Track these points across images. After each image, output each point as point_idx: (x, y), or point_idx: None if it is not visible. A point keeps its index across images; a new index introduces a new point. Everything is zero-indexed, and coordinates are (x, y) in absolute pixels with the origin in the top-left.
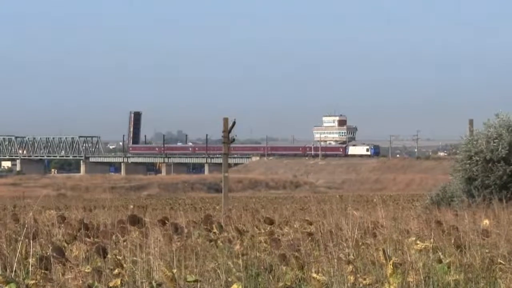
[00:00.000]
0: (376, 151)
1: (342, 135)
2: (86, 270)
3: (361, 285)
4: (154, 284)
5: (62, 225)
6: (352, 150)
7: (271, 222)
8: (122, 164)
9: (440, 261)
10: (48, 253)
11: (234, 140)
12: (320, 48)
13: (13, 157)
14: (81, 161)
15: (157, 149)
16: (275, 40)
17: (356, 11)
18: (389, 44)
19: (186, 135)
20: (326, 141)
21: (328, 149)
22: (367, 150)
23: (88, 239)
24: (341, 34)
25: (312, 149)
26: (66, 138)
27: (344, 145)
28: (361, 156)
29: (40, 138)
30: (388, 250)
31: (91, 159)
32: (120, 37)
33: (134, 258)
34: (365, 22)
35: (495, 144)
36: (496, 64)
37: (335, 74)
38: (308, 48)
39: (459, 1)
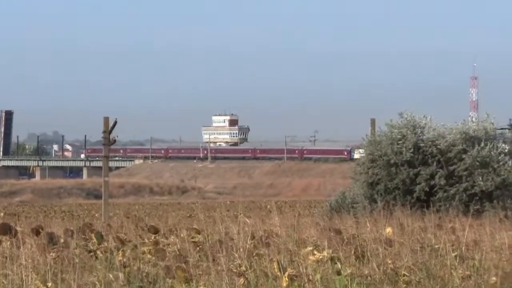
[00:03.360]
0: None
1: (234, 136)
2: None
3: None
4: None
5: None
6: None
7: (155, 231)
8: None
9: (339, 273)
10: None
11: (115, 141)
12: (206, 46)
13: None
14: None
15: (121, 151)
16: (154, 40)
17: (229, 10)
18: (283, 44)
19: (63, 136)
20: (216, 142)
21: (332, 152)
22: None
23: None
24: (221, 33)
25: (303, 151)
26: None
27: (349, 148)
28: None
29: None
30: (283, 261)
31: None
32: None
33: (5, 271)
34: (244, 21)
35: (399, 146)
36: (398, 63)
37: (226, 71)
38: (191, 47)
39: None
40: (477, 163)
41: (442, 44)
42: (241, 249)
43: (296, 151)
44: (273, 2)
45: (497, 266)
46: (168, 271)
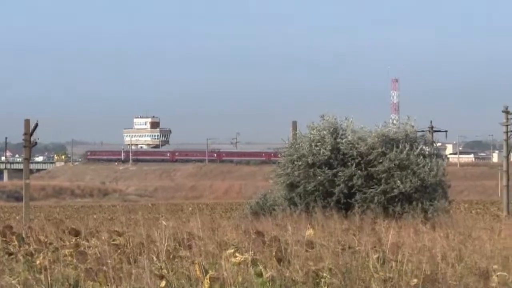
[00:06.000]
0: None
1: (155, 138)
2: None
3: None
4: None
5: None
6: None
7: (76, 234)
8: None
9: (260, 275)
10: None
11: (36, 143)
12: (129, 45)
13: None
14: None
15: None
16: (74, 42)
17: (150, 9)
18: (206, 43)
19: None
20: (137, 144)
21: None
22: None
23: None
24: (158, 33)
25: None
26: None
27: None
28: None
29: None
30: (205, 264)
31: None
32: None
33: None
34: (182, 20)
35: (317, 148)
36: (322, 64)
37: (146, 74)
38: (117, 45)
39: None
40: (396, 165)
41: (363, 47)
42: (163, 252)
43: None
44: (194, 3)
45: (419, 268)
46: (89, 274)
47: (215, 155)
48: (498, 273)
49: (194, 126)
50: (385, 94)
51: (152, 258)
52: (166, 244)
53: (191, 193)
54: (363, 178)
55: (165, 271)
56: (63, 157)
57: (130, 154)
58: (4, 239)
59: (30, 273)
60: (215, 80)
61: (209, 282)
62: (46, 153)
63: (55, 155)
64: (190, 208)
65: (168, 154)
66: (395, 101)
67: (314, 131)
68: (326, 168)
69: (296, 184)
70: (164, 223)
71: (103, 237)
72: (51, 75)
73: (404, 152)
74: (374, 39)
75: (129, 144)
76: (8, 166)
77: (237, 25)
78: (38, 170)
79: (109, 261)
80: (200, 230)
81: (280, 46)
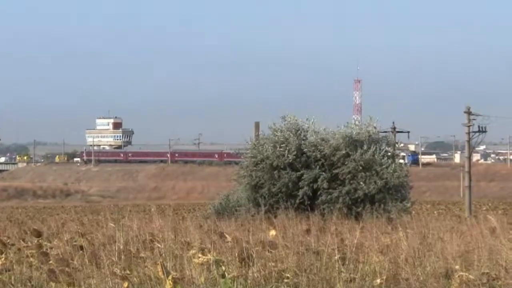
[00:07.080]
0: (415, 158)
1: (118, 139)
2: None
3: None
4: None
5: None
6: None
7: (39, 235)
8: None
9: (223, 276)
10: None
11: None
12: (93, 44)
13: None
14: None
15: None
16: (45, 35)
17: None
18: (169, 43)
19: None
20: (100, 145)
21: None
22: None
23: None
24: (113, 33)
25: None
26: None
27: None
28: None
29: None
30: (168, 264)
31: None
32: None
33: None
34: (140, 22)
35: (281, 150)
36: (283, 63)
37: (108, 74)
38: (80, 44)
39: None
40: (360, 167)
41: (325, 47)
42: (125, 253)
43: None
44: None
45: (382, 268)
46: (51, 275)
47: (217, 155)
48: (460, 274)
49: (156, 126)
50: (347, 95)
51: (114, 259)
52: (128, 245)
53: (154, 193)
54: (327, 180)
55: (127, 272)
56: (25, 158)
57: (91, 154)
58: None
59: None
60: (179, 81)
61: (171, 283)
62: (8, 154)
63: (17, 156)
64: (153, 209)
65: (174, 155)
66: (357, 102)
67: (278, 132)
68: (290, 170)
69: (259, 185)
70: (127, 224)
71: (65, 238)
72: (13, 75)
73: (369, 152)
74: (335, 39)
75: (91, 145)
76: None
77: (185, 25)
78: (0, 171)
79: (71, 262)
80: (163, 231)
81: (241, 47)
